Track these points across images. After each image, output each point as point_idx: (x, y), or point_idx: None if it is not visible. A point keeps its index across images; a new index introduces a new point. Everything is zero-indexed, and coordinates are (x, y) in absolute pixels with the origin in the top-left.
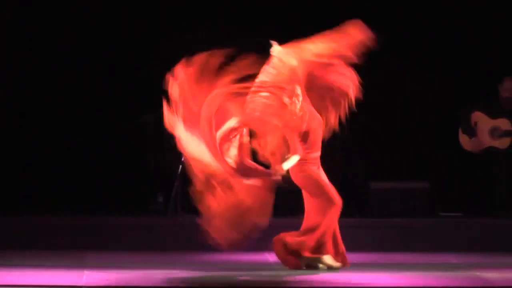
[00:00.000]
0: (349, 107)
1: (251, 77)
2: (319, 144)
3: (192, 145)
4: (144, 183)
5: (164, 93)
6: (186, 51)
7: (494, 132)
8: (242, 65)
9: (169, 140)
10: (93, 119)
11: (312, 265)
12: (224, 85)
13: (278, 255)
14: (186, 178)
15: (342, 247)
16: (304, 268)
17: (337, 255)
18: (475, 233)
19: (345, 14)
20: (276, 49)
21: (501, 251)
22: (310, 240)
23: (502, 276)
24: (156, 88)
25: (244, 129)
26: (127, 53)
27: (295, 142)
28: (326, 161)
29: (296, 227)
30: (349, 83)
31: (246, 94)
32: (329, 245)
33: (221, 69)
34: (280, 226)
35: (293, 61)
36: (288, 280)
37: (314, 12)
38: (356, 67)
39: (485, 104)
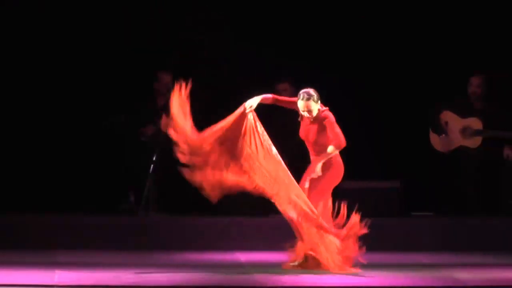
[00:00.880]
0: None
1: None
2: None
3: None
4: (115, 182)
5: (136, 94)
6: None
7: (465, 132)
8: None
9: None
10: (64, 119)
11: None
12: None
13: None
14: (157, 177)
15: None
16: None
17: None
18: (446, 233)
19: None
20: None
21: (472, 250)
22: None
23: (473, 276)
24: (128, 89)
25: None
26: (100, 53)
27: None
28: (298, 160)
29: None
30: None
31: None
32: None
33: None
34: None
35: None
36: (259, 280)
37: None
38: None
39: (455, 103)
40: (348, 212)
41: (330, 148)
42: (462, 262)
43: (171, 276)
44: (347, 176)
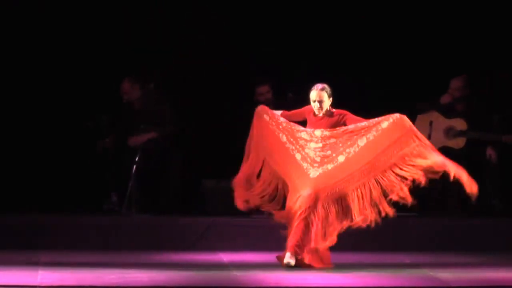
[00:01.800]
0: None
1: None
2: None
3: None
4: (98, 182)
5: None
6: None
7: (449, 132)
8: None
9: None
10: (47, 118)
11: None
12: None
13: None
14: (140, 178)
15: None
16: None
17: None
18: (429, 233)
19: None
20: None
21: (455, 250)
22: None
23: (456, 276)
24: (112, 89)
25: None
26: (84, 54)
27: None
28: None
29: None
30: None
31: None
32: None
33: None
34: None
35: None
36: (242, 280)
37: None
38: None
39: (438, 104)
40: None
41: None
42: (445, 262)
43: (154, 276)
44: None
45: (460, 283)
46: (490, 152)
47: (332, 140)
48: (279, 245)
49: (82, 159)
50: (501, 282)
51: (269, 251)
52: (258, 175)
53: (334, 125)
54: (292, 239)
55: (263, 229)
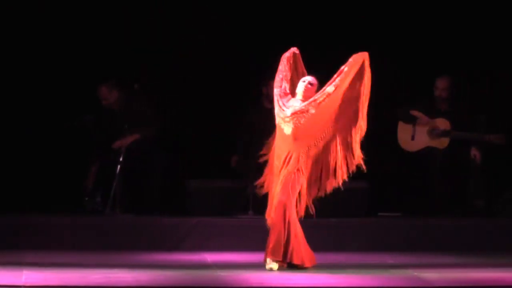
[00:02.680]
0: None
1: None
2: None
3: None
4: (82, 182)
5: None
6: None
7: (433, 132)
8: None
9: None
10: (32, 118)
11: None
12: None
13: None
14: (124, 178)
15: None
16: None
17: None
18: (413, 233)
19: None
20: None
21: (439, 251)
22: None
23: (440, 276)
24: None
25: None
26: (69, 53)
27: None
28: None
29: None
30: None
31: None
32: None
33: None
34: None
35: None
36: (225, 280)
37: None
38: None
39: (421, 104)
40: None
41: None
42: (429, 263)
43: (138, 276)
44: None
45: (443, 283)
46: (474, 152)
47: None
48: (263, 245)
49: (66, 159)
50: (485, 282)
51: (252, 251)
52: None
53: None
54: (268, 244)
55: (247, 229)
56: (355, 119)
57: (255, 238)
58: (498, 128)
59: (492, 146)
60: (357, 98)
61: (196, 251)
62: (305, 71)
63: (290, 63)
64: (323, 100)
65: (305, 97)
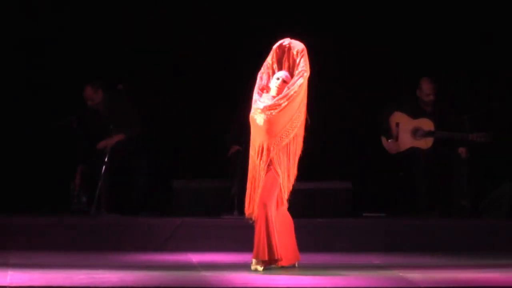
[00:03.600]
0: None
1: None
2: None
3: None
4: (68, 183)
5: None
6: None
7: (416, 133)
8: None
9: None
10: (16, 119)
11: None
12: None
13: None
14: (109, 178)
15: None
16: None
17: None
18: (398, 234)
19: None
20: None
21: (424, 251)
22: None
23: (425, 277)
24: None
25: None
26: (51, 54)
27: None
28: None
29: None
30: None
31: None
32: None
33: None
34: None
35: None
36: (211, 280)
37: None
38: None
39: (404, 104)
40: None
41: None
42: (414, 263)
43: (123, 277)
44: (298, 177)
45: (428, 284)
46: (461, 149)
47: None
48: (249, 246)
49: (51, 159)
50: (470, 282)
51: (238, 251)
52: None
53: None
54: (254, 246)
55: (232, 230)
56: None
57: (240, 239)
58: (481, 128)
59: (477, 145)
60: None
61: (181, 251)
62: (296, 63)
63: (275, 54)
64: (295, 92)
65: (278, 94)
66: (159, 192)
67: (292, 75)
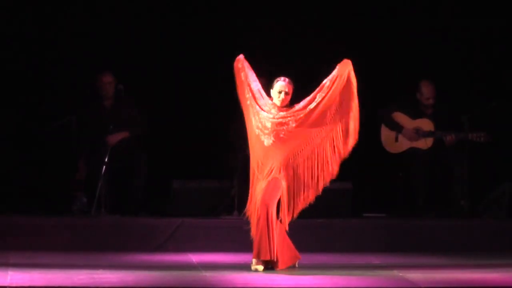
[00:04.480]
0: None
1: None
2: None
3: None
4: (67, 183)
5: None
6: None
7: (417, 133)
8: None
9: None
10: (16, 119)
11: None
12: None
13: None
14: (109, 179)
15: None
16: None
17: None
18: (398, 234)
19: None
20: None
21: (424, 251)
22: None
23: (425, 277)
24: (79, 89)
25: None
26: (48, 54)
27: None
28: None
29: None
30: None
31: None
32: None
33: None
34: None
35: None
36: (211, 281)
37: None
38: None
39: (404, 105)
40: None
41: None
42: (414, 263)
43: (123, 277)
44: None
45: (428, 284)
46: (449, 137)
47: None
48: (248, 246)
49: (51, 160)
50: (470, 283)
51: (238, 251)
52: None
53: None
54: (254, 246)
55: (232, 230)
56: (343, 135)
57: (240, 239)
58: (480, 128)
59: (477, 145)
60: (346, 112)
61: (181, 251)
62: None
63: (241, 71)
64: (304, 116)
65: (282, 105)
66: (159, 192)
67: None
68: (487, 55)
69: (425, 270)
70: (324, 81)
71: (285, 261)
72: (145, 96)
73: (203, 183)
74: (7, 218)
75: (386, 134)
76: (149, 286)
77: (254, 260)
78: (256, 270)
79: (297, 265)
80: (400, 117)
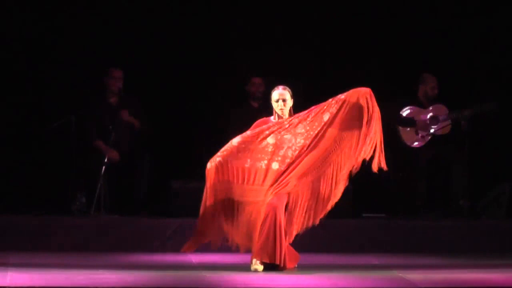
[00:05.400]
0: None
1: None
2: None
3: None
4: (67, 183)
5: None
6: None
7: (434, 121)
8: None
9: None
10: (15, 119)
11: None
12: None
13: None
14: (109, 179)
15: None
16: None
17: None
18: (398, 234)
19: None
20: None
21: (424, 252)
22: None
23: (425, 277)
24: (79, 88)
25: None
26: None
27: None
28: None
29: None
30: None
31: None
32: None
33: None
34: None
35: None
36: (211, 281)
37: None
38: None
39: (409, 102)
40: None
41: None
42: (413, 264)
43: (123, 277)
44: None
45: (428, 284)
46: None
47: (288, 136)
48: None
49: (50, 160)
50: (470, 283)
51: (237, 252)
52: None
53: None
54: (256, 244)
55: None
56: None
57: None
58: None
59: (489, 117)
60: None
61: (181, 252)
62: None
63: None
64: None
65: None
66: (158, 192)
67: None
68: (487, 55)
69: (425, 270)
70: (330, 99)
71: (295, 258)
72: (145, 96)
73: (203, 184)
74: (6, 218)
75: (404, 132)
76: (149, 286)
77: (254, 260)
78: (256, 270)
79: (296, 265)
80: (413, 111)
